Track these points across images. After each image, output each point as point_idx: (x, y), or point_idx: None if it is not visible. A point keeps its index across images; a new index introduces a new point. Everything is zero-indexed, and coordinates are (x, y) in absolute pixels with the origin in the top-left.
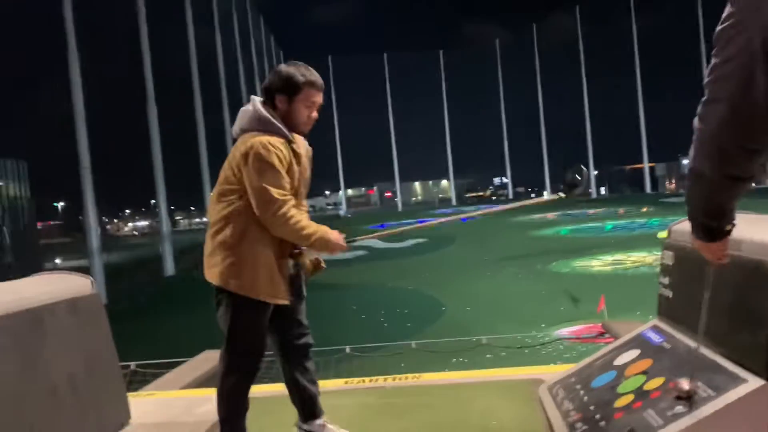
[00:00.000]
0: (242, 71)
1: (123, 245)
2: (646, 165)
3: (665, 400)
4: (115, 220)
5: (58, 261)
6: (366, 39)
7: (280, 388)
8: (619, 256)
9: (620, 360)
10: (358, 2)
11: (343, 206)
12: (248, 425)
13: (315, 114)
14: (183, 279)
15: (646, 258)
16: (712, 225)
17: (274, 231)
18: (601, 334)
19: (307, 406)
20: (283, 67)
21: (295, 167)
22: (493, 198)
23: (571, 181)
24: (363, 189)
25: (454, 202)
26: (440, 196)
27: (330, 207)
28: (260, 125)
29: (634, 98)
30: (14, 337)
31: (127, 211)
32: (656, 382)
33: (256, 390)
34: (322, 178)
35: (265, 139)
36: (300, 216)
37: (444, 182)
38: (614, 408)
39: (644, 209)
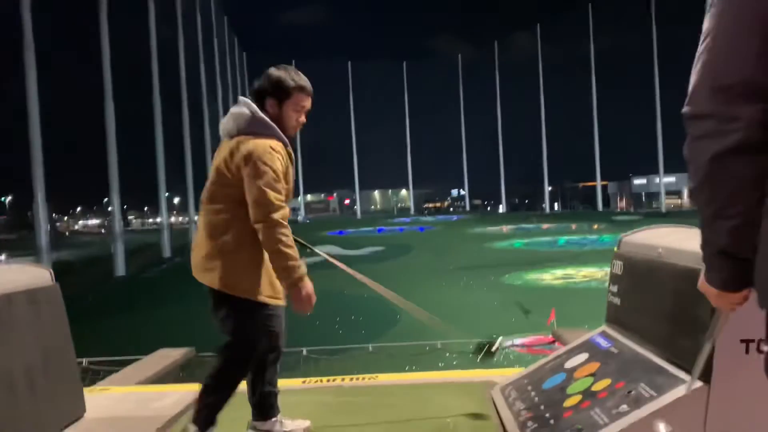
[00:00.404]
0: (203, 71)
1: (73, 243)
2: (598, 183)
3: (611, 400)
4: (65, 218)
5: (1, 257)
6: (330, 46)
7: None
8: (570, 271)
9: (570, 363)
10: (324, 9)
11: (302, 211)
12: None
13: (303, 118)
14: (134, 279)
15: (597, 273)
16: (740, 253)
17: (261, 234)
18: (552, 343)
19: (267, 405)
20: (274, 71)
21: (290, 170)
22: (451, 209)
23: (482, 347)
24: (322, 195)
25: (412, 211)
26: (399, 205)
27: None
28: (259, 128)
29: (590, 118)
30: None
31: (78, 208)
32: (603, 384)
33: None
34: None
35: (267, 142)
36: (290, 234)
37: (403, 192)
38: (564, 407)
39: (595, 226)
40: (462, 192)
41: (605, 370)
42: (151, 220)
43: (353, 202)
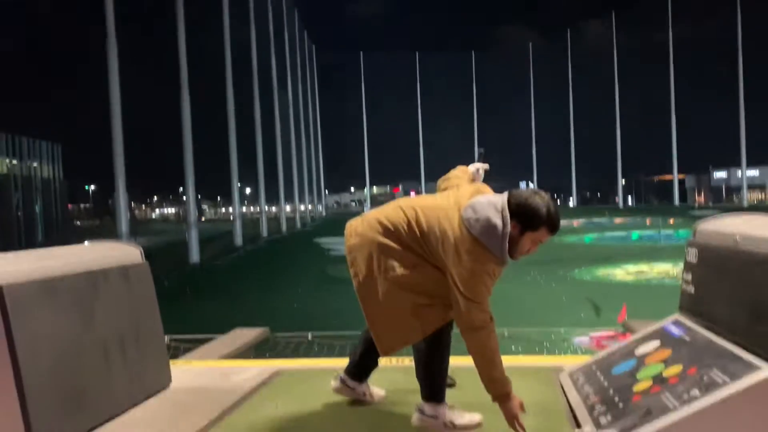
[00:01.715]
0: (274, 64)
1: (150, 230)
2: (675, 177)
3: (682, 386)
4: (143, 206)
5: (86, 243)
6: (397, 37)
7: (311, 363)
8: (643, 267)
9: (641, 350)
10: (390, 1)
11: (368, 203)
12: (283, 394)
13: (535, 249)
14: (207, 266)
15: (672, 270)
16: None
17: (469, 343)
18: (623, 336)
19: (365, 369)
20: (535, 199)
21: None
22: None
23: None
24: (388, 187)
25: None
26: None
27: (354, 204)
28: (494, 247)
29: (667, 108)
30: (75, 295)
31: (155, 197)
32: (674, 370)
33: (290, 364)
34: (348, 175)
35: (490, 267)
36: (494, 335)
37: None
38: (633, 392)
39: (671, 221)
40: (531, 185)
41: (677, 356)
42: (223, 210)
43: (419, 193)
